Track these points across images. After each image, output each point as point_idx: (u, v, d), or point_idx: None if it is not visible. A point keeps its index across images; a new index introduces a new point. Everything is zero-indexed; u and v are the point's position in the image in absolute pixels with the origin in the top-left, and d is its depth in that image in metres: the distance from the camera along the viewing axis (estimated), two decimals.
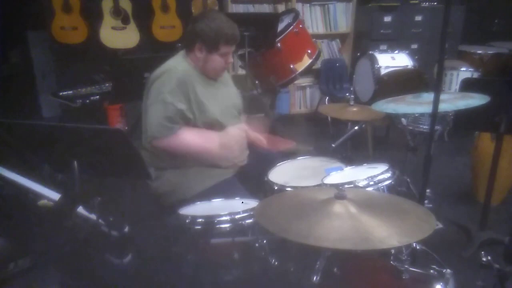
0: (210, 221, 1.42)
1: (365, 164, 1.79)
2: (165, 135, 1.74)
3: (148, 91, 1.81)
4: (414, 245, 1.58)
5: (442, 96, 1.61)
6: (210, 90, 1.86)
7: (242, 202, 1.46)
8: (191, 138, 1.79)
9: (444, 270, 1.26)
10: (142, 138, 1.89)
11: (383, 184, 1.56)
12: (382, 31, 4.46)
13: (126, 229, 1.32)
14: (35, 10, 3.67)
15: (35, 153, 1.46)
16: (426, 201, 1.85)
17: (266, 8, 4.35)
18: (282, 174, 1.82)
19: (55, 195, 1.35)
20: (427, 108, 1.72)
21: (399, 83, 3.29)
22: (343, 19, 4.63)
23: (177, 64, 1.83)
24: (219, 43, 1.79)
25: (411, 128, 2.62)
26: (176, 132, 1.75)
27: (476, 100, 1.78)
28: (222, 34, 1.78)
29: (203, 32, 1.78)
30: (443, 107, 1.66)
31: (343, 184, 1.52)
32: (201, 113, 1.82)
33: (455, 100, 1.83)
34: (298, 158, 1.99)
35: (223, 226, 1.41)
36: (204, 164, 1.85)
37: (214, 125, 1.86)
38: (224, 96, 1.94)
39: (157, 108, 1.74)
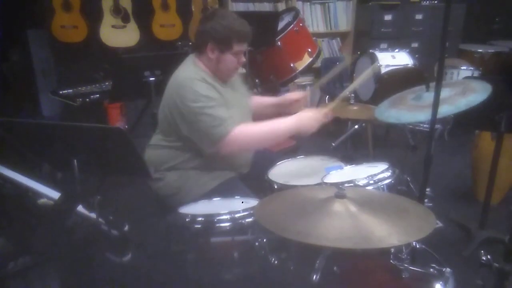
0: (210, 220, 1.42)
1: (365, 163, 1.79)
2: (224, 134, 1.66)
3: (183, 112, 1.71)
4: (414, 244, 1.58)
5: (443, 93, 1.59)
6: (226, 96, 1.81)
7: (242, 202, 1.45)
8: (254, 125, 1.76)
9: (443, 269, 1.26)
10: (152, 139, 1.88)
11: (383, 183, 1.56)
12: (382, 29, 4.45)
13: (126, 228, 1.32)
14: (35, 9, 3.66)
15: (35, 152, 1.46)
16: (426, 200, 1.85)
17: (266, 7, 4.35)
18: (282, 173, 1.81)
19: (55, 194, 1.35)
20: (428, 115, 1.68)
21: (400, 82, 3.28)
22: (343, 17, 4.63)
23: (192, 73, 1.76)
24: (231, 41, 1.73)
25: (411, 127, 2.62)
26: (232, 128, 1.68)
27: (478, 94, 1.74)
28: (234, 32, 1.73)
29: (215, 30, 1.72)
30: (444, 110, 1.64)
31: (343, 183, 1.52)
32: None
33: (456, 97, 1.80)
34: (298, 157, 1.99)
35: (223, 225, 1.41)
36: (205, 167, 1.82)
37: None
38: (238, 101, 1.89)
39: (206, 117, 1.67)
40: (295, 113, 1.83)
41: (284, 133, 1.78)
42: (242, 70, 3.42)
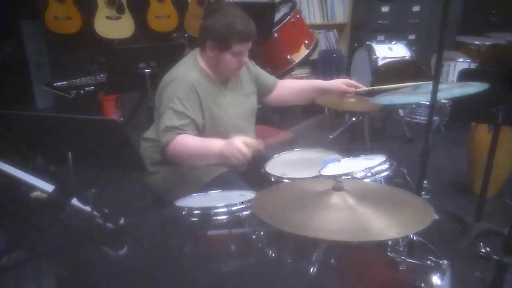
0: (206, 213, 1.41)
1: (363, 156, 1.79)
2: (169, 141, 1.62)
3: (160, 101, 1.72)
4: (411, 236, 1.58)
5: (440, 86, 1.59)
6: (221, 99, 1.77)
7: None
8: (193, 139, 1.65)
9: (441, 261, 1.26)
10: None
11: (381, 176, 1.55)
12: (379, 21, 4.43)
13: (122, 221, 1.31)
14: (29, 0, 3.61)
15: (29, 144, 1.44)
16: (423, 193, 1.85)
17: None
18: (279, 165, 1.80)
19: (48, 187, 1.33)
20: (422, 98, 1.71)
21: (397, 74, 3.28)
22: (340, 9, 4.60)
23: (187, 71, 1.72)
24: (230, 41, 1.63)
25: (408, 119, 2.62)
26: (178, 136, 1.62)
27: (473, 88, 1.76)
28: (234, 31, 1.62)
29: (213, 28, 1.63)
30: (438, 95, 1.65)
31: (340, 175, 1.51)
32: (212, 122, 1.73)
33: (452, 89, 1.82)
34: (295, 149, 1.98)
35: (219, 218, 1.40)
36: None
37: (224, 135, 1.74)
38: (237, 103, 1.83)
39: (166, 118, 1.64)
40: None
41: (212, 155, 1.59)
42: None
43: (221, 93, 1.79)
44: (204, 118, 1.72)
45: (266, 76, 2.03)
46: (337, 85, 1.97)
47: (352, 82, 1.99)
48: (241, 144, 1.50)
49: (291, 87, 2.08)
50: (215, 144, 1.58)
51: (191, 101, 1.67)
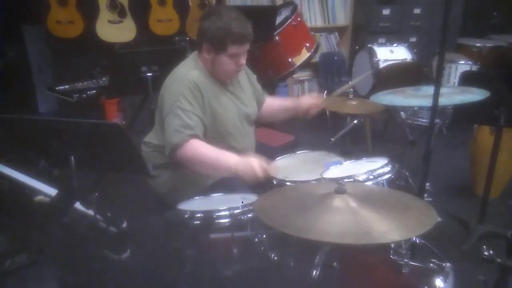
0: (209, 216, 1.41)
1: (365, 158, 1.79)
2: (181, 142, 1.62)
3: (162, 103, 1.73)
4: (414, 239, 1.58)
5: (442, 90, 1.60)
6: (222, 99, 1.77)
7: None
8: (207, 147, 1.65)
9: (444, 264, 1.26)
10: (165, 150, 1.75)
11: (383, 178, 1.55)
12: (380, 24, 4.43)
13: (124, 225, 1.31)
14: (31, 4, 3.63)
15: (32, 149, 1.45)
16: (425, 195, 1.85)
17: (264, 1, 4.32)
18: (281, 168, 1.80)
19: (51, 191, 1.33)
20: (423, 101, 1.72)
21: (398, 77, 3.28)
22: (341, 12, 4.61)
23: (188, 71, 1.73)
24: (226, 43, 1.65)
25: (410, 121, 2.61)
26: (190, 139, 1.63)
27: (475, 95, 1.77)
28: (229, 34, 1.63)
29: (209, 31, 1.65)
30: (440, 101, 1.65)
31: (342, 178, 1.51)
32: (213, 122, 1.74)
33: (453, 94, 1.82)
34: (297, 152, 1.98)
35: (222, 221, 1.40)
36: None
37: (224, 136, 1.78)
38: (238, 104, 1.84)
39: (174, 117, 1.64)
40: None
41: (224, 169, 1.62)
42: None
43: (222, 93, 1.80)
44: (206, 116, 1.73)
45: (260, 89, 2.06)
46: (303, 101, 1.99)
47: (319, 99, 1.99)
48: (258, 165, 1.53)
49: (270, 106, 2.08)
50: (230, 158, 1.61)
51: (195, 99, 1.68)
